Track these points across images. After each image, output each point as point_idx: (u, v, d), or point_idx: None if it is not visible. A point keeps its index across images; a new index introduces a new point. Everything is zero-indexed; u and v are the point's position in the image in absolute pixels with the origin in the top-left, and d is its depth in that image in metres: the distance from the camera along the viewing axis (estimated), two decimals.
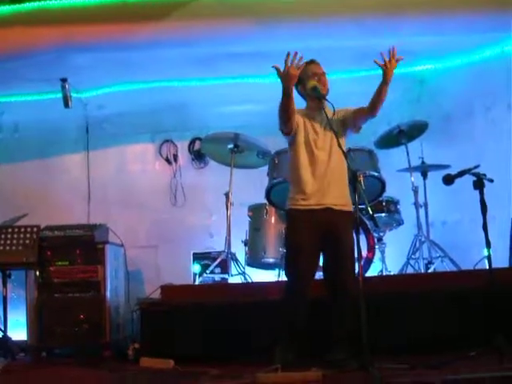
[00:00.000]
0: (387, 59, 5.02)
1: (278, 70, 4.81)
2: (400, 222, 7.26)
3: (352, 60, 7.88)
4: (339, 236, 5.00)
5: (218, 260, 7.22)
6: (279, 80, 4.87)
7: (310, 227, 5.01)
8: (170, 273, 7.85)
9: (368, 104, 5.17)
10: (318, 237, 5.01)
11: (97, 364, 5.95)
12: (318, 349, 4.94)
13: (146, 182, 8.82)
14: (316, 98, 5.19)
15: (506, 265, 6.48)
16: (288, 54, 4.78)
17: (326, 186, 5.06)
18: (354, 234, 4.86)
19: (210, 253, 7.74)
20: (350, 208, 5.10)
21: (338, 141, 4.93)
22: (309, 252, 5.01)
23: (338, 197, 5.09)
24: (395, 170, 7.40)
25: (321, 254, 5.12)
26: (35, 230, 6.84)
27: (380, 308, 5.41)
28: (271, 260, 6.98)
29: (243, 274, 7.12)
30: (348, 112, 5.26)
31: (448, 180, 5.18)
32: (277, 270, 6.89)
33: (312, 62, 5.28)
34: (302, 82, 5.21)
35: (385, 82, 5.03)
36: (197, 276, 7.41)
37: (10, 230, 6.86)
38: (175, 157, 8.90)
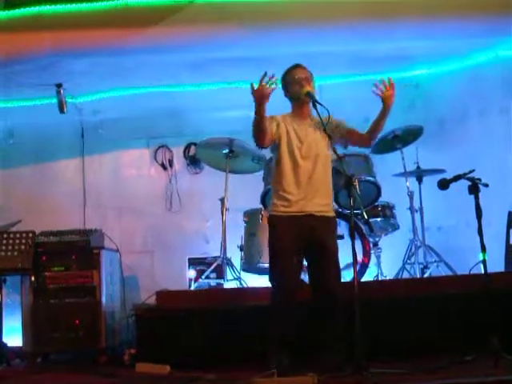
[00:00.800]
0: (383, 88, 5.05)
1: (252, 88, 4.82)
2: (395, 227, 7.26)
3: (347, 65, 7.91)
4: (322, 241, 5.01)
5: (214, 265, 7.23)
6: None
7: (292, 233, 5.00)
8: (166, 278, 7.84)
9: (367, 132, 5.21)
10: (300, 242, 5.01)
11: (92, 369, 5.95)
12: (314, 354, 4.94)
13: (142, 187, 8.81)
14: (302, 102, 5.19)
15: (501, 269, 6.49)
16: (265, 74, 4.79)
17: (310, 194, 5.06)
18: (350, 239, 4.85)
19: (205, 258, 7.73)
20: (333, 213, 5.12)
21: (332, 145, 4.93)
22: (289, 258, 5.01)
23: (321, 204, 5.09)
24: (390, 175, 7.41)
25: (303, 259, 5.12)
26: (30, 235, 6.82)
27: (375, 313, 5.40)
28: (266, 265, 6.93)
29: (239, 279, 7.11)
30: (342, 126, 5.26)
31: (443, 185, 5.19)
32: None
33: (297, 66, 5.27)
34: (287, 87, 5.23)
35: (384, 108, 5.10)
36: (192, 281, 7.41)
37: (5, 235, 6.83)
38: (170, 162, 8.89)
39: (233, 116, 8.37)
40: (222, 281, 7.18)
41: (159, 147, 8.93)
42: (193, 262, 7.74)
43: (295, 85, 5.17)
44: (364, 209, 5.15)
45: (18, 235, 6.82)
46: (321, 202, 5.08)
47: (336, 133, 5.19)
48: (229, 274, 7.15)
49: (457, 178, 5.14)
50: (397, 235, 7.38)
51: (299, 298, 5.01)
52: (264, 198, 6.82)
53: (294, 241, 5.00)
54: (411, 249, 7.14)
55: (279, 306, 5.01)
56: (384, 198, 7.06)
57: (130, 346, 6.32)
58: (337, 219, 5.32)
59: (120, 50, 7.10)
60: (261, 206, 6.92)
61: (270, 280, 5.19)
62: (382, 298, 5.77)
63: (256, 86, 4.81)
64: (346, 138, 5.27)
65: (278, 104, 5.18)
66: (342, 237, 6.67)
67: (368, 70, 8.11)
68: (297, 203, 5.04)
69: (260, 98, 4.82)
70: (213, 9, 6.77)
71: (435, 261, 6.99)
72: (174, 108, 8.57)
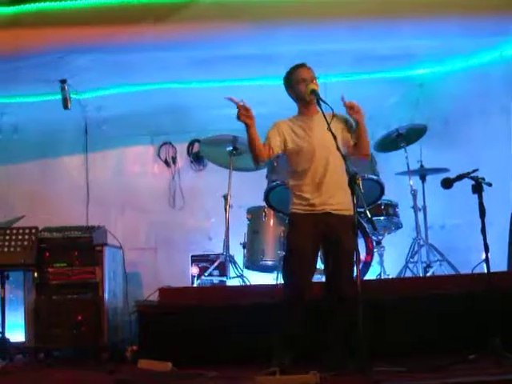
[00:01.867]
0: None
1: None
2: (399, 226, 7.26)
3: (351, 63, 7.89)
4: (339, 240, 4.99)
5: (217, 262, 7.23)
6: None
7: (309, 231, 5.01)
8: (169, 275, 7.86)
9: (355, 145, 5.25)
10: (318, 241, 5.03)
11: (95, 366, 5.96)
12: (316, 352, 4.95)
13: (145, 184, 8.81)
14: (308, 102, 5.19)
15: (504, 268, 6.49)
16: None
17: (325, 191, 5.07)
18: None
19: (208, 255, 7.74)
20: (351, 212, 5.10)
21: (336, 144, 4.93)
22: (308, 256, 5.01)
23: (339, 202, 5.08)
24: (394, 174, 7.42)
25: (319, 258, 5.12)
26: (34, 231, 6.83)
27: (378, 311, 5.41)
28: (269, 262, 6.98)
29: (241, 276, 7.12)
30: (348, 129, 5.26)
31: (447, 184, 5.19)
32: (275, 273, 6.88)
33: (302, 65, 5.27)
34: (293, 87, 5.23)
35: (356, 123, 5.12)
36: (195, 278, 7.41)
37: (8, 231, 6.84)
38: (174, 159, 8.89)
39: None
40: (224, 278, 7.18)
41: (163, 144, 8.93)
42: (196, 259, 7.74)
43: (301, 84, 5.16)
44: (367, 207, 5.15)
45: (21, 231, 6.83)
46: (337, 198, 5.08)
47: (341, 132, 5.20)
48: (231, 272, 7.16)
49: (460, 177, 5.15)
50: (400, 234, 7.38)
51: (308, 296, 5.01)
52: (267, 196, 6.82)
53: (312, 239, 5.02)
54: (414, 247, 7.14)
55: (290, 303, 5.00)
56: (387, 196, 7.06)
57: (133, 342, 6.33)
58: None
59: (124, 47, 7.10)
60: (264, 203, 6.91)
61: (284, 276, 5.18)
62: (385, 296, 5.76)
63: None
64: (348, 144, 5.27)
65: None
66: None
67: (372, 69, 8.11)
68: (314, 201, 5.07)
69: (244, 118, 4.95)
70: (217, 6, 6.76)
71: (438, 260, 6.99)
72: (177, 105, 8.56)
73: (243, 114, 4.93)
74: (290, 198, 5.24)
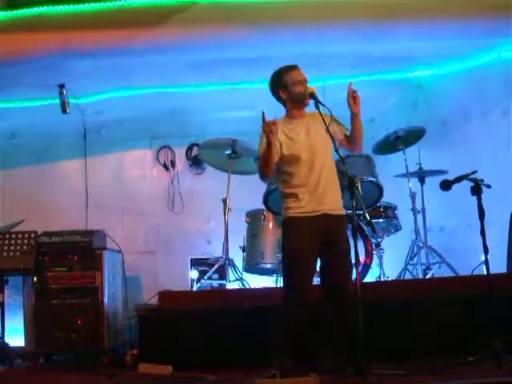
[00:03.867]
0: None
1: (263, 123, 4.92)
2: (398, 228, 7.26)
3: (350, 65, 7.89)
4: (336, 241, 5.01)
5: (216, 266, 7.23)
6: None
7: (307, 233, 4.99)
8: (168, 279, 7.86)
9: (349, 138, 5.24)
10: (315, 243, 5.01)
11: (95, 370, 5.94)
12: (316, 354, 4.94)
13: (144, 188, 8.82)
14: (300, 104, 5.19)
15: (503, 270, 6.48)
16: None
17: (320, 193, 5.05)
18: (352, 240, 4.83)
19: (207, 259, 7.72)
20: (343, 211, 5.13)
21: (335, 146, 4.93)
22: (306, 258, 5.00)
23: (332, 202, 5.09)
24: (393, 176, 7.41)
25: (317, 259, 5.12)
26: (33, 235, 6.84)
27: (377, 314, 5.40)
28: (269, 265, 6.98)
29: (241, 279, 7.13)
30: (341, 131, 5.26)
31: (445, 185, 5.19)
32: (274, 276, 6.89)
33: (296, 67, 5.24)
34: (286, 88, 5.20)
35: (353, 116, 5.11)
36: (194, 282, 7.41)
37: (7, 236, 6.86)
38: (173, 163, 8.89)
39: (236, 117, 8.37)
40: (224, 281, 7.19)
41: (161, 148, 8.93)
42: (195, 263, 7.73)
43: (298, 86, 5.15)
44: (366, 210, 5.15)
45: (20, 235, 6.84)
46: (331, 199, 5.09)
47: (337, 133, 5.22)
48: (231, 275, 7.17)
49: (459, 179, 5.14)
50: (399, 236, 7.37)
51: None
52: (266, 199, 6.81)
53: (309, 241, 4.99)
54: (413, 250, 7.13)
55: (292, 306, 4.98)
56: (386, 198, 7.07)
57: (132, 346, 6.34)
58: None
59: (123, 51, 7.09)
60: (263, 206, 6.91)
61: (284, 280, 5.14)
62: (384, 299, 5.77)
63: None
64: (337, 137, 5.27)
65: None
66: None
67: (371, 71, 8.11)
68: (308, 204, 5.04)
69: (269, 131, 4.90)
70: (216, 9, 6.76)
71: (437, 262, 6.99)
72: (176, 108, 8.56)
73: (270, 129, 4.89)
74: (283, 202, 5.20)
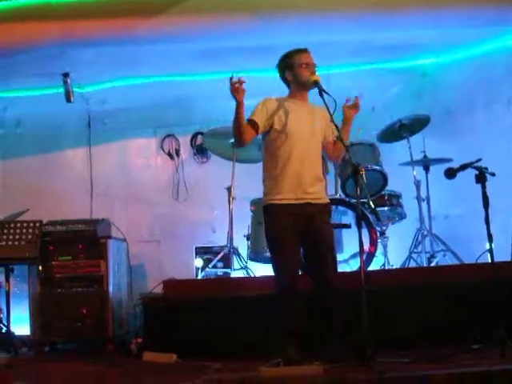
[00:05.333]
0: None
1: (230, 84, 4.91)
2: (402, 216, 7.26)
3: (353, 54, 7.89)
4: (319, 229, 5.02)
5: (221, 254, 7.23)
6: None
7: (291, 222, 4.98)
8: (173, 267, 7.87)
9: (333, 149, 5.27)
10: (297, 230, 4.99)
11: (99, 358, 5.96)
12: (320, 343, 4.95)
13: (148, 176, 8.82)
14: (304, 88, 5.19)
15: (508, 258, 6.48)
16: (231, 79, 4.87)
17: (304, 180, 5.04)
18: (357, 228, 4.82)
19: (212, 247, 7.72)
20: (327, 200, 5.15)
21: (339, 134, 4.92)
22: (292, 244, 4.98)
23: (316, 191, 5.08)
24: (397, 164, 7.41)
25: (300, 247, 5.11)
26: (38, 225, 6.86)
27: (382, 302, 5.41)
28: None
29: (245, 268, 7.13)
30: (328, 135, 5.28)
31: (450, 174, 5.18)
32: None
33: (305, 50, 5.22)
34: (292, 70, 5.18)
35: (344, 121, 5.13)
36: (199, 270, 7.42)
37: (12, 225, 6.88)
38: (177, 151, 8.88)
39: None
40: (228, 270, 7.19)
41: (166, 136, 8.92)
42: (200, 251, 7.72)
43: (305, 69, 5.12)
44: (371, 198, 5.15)
45: (25, 225, 6.86)
46: (315, 188, 5.08)
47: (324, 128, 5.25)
48: (236, 263, 7.17)
49: (464, 167, 5.14)
50: (403, 224, 7.37)
51: (301, 287, 5.00)
52: None
53: (292, 228, 4.98)
54: (418, 238, 7.14)
55: (285, 296, 4.96)
56: (391, 187, 7.07)
57: (137, 335, 6.34)
58: (339, 207, 5.31)
59: (127, 40, 7.08)
60: None
61: (274, 268, 5.11)
62: (389, 287, 5.78)
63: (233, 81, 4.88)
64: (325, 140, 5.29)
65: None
66: (348, 226, 6.69)
67: (375, 59, 8.11)
68: (292, 191, 5.02)
69: (236, 92, 4.89)
70: None
71: (442, 250, 7.00)
72: (180, 97, 8.57)
73: (236, 87, 4.87)
74: (265, 187, 5.19)
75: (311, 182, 5.06)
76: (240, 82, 4.87)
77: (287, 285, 4.97)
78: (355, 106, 5.11)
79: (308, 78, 5.10)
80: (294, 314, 4.95)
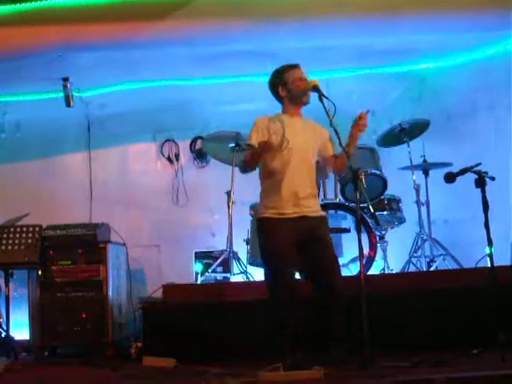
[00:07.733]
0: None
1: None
2: (402, 220, 7.26)
3: (353, 58, 7.89)
4: (321, 239, 5.00)
5: (220, 259, 7.24)
6: None
7: (287, 235, 4.93)
8: (172, 272, 7.87)
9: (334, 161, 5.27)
10: (295, 242, 4.94)
11: (99, 363, 5.95)
12: (320, 348, 4.94)
13: (148, 181, 8.80)
14: (299, 102, 5.17)
15: (507, 263, 6.49)
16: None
17: (299, 194, 5.01)
18: (356, 233, 4.82)
19: (211, 252, 7.73)
20: (323, 213, 5.15)
21: (339, 140, 4.91)
22: (288, 255, 4.90)
23: (311, 205, 5.06)
24: (397, 168, 7.41)
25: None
26: (37, 229, 6.86)
27: (382, 306, 5.40)
28: None
29: (245, 272, 7.12)
30: (325, 149, 5.28)
31: (449, 178, 5.17)
32: None
33: (298, 66, 5.21)
34: (286, 85, 5.15)
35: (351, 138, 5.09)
36: (199, 275, 7.41)
37: (12, 229, 6.88)
38: (177, 156, 8.88)
39: (239, 109, 8.35)
40: (228, 274, 7.18)
41: (166, 141, 8.91)
42: (199, 256, 7.73)
43: (299, 82, 5.11)
44: (370, 202, 5.15)
45: (24, 229, 6.86)
46: (311, 201, 5.08)
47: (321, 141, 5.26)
48: (235, 268, 7.15)
49: (463, 172, 5.13)
50: (403, 229, 7.37)
51: (301, 293, 4.98)
52: None
53: (289, 240, 4.92)
54: (417, 242, 7.13)
55: (284, 302, 4.89)
56: (390, 191, 7.07)
57: (137, 339, 6.35)
58: (338, 211, 5.30)
59: (127, 44, 7.09)
60: None
61: (270, 281, 5.02)
62: (389, 291, 5.77)
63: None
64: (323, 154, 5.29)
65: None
66: (348, 230, 6.69)
67: (375, 64, 8.12)
68: (288, 205, 5.00)
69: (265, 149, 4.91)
70: (220, 2, 6.76)
71: (441, 254, 6.99)
72: (180, 101, 8.56)
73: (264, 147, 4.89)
74: (261, 200, 5.19)
75: (306, 195, 5.05)
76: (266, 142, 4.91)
77: (286, 293, 4.88)
78: (363, 126, 5.07)
79: (306, 85, 5.09)
80: (294, 319, 4.92)
